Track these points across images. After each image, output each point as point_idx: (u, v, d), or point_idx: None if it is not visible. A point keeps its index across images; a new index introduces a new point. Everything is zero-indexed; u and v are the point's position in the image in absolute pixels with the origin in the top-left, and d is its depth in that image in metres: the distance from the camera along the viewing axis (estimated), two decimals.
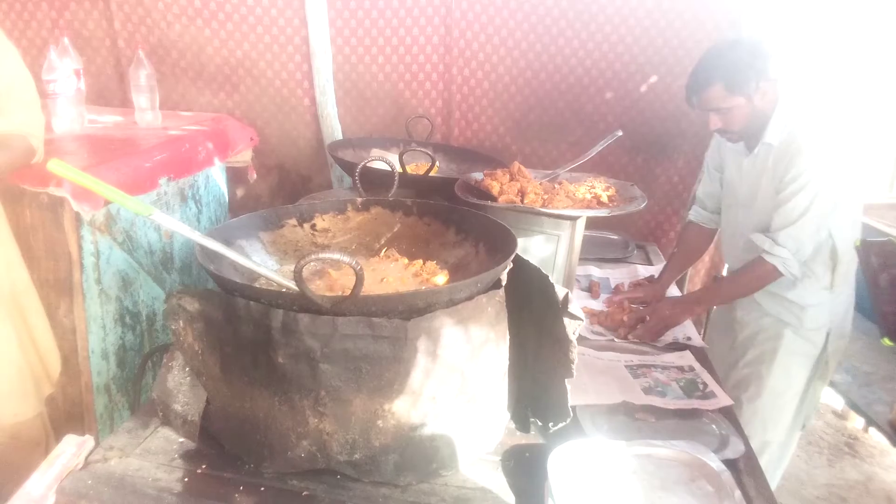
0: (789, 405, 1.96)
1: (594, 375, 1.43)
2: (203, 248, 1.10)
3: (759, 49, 1.69)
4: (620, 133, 1.84)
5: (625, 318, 1.75)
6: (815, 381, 1.95)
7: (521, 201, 1.57)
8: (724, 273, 2.31)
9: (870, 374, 2.64)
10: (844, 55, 2.90)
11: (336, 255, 0.89)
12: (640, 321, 1.76)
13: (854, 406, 2.59)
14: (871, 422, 2.50)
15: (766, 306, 1.93)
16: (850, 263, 1.87)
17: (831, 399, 3.03)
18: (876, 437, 2.84)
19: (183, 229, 1.06)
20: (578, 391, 1.31)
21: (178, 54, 2.56)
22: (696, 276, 2.69)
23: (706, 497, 1.04)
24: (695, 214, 2.13)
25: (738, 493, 1.03)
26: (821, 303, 1.87)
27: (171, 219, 1.05)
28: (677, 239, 2.30)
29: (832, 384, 2.68)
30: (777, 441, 1.99)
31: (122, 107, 2.57)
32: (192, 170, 2.15)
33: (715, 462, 1.08)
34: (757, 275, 1.79)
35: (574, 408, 1.24)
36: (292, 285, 0.97)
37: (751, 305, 1.98)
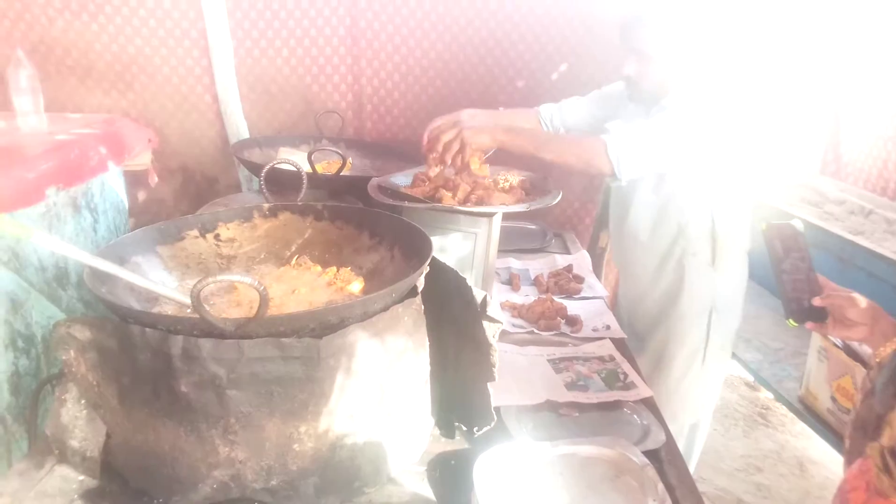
0: (693, 390, 1.94)
1: (517, 374, 1.42)
2: (93, 270, 1.01)
3: (710, 23, 1.65)
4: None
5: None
6: (710, 363, 1.92)
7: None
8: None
9: (779, 351, 2.75)
10: (759, 43, 2.96)
11: (236, 277, 0.83)
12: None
13: (765, 383, 2.68)
14: (781, 399, 2.60)
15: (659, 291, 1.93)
16: (738, 245, 1.87)
17: (743, 371, 3.16)
18: (786, 406, 2.97)
19: (68, 250, 0.97)
20: (502, 391, 1.30)
21: (62, 52, 2.38)
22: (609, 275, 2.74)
23: (631, 493, 1.04)
24: (545, 110, 2.04)
25: (660, 486, 1.04)
26: (702, 278, 1.87)
27: (54, 239, 0.97)
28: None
29: (742, 362, 2.78)
30: (684, 433, 1.97)
31: (2, 111, 2.36)
32: (85, 177, 1.99)
33: (638, 456, 1.09)
34: (585, 142, 1.65)
35: (498, 408, 1.23)
36: None
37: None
